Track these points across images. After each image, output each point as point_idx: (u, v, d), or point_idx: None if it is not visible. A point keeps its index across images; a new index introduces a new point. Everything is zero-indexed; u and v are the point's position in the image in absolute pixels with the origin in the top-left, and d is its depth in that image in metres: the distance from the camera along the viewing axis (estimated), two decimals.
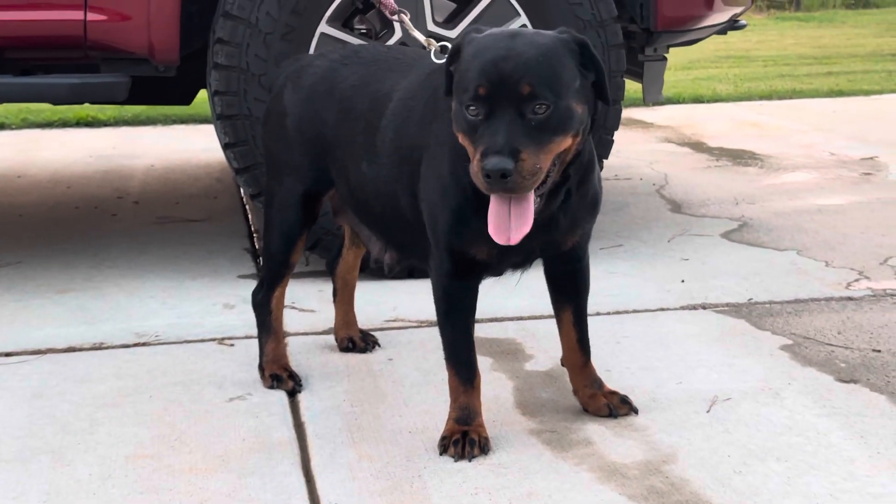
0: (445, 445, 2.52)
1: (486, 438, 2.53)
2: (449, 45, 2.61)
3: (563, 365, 2.80)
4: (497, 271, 2.62)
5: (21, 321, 3.51)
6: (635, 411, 2.71)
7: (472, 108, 2.26)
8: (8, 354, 3.22)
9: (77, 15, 3.69)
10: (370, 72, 2.80)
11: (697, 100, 8.29)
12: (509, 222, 2.28)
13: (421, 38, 2.84)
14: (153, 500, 2.35)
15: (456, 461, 2.48)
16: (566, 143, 2.29)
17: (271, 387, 2.92)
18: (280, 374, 2.94)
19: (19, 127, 7.44)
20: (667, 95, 7.40)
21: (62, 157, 6.39)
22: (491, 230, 2.29)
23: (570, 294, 2.71)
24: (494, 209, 2.29)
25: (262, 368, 2.97)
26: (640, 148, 6.41)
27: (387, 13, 3.09)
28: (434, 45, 2.74)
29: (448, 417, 2.57)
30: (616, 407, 2.71)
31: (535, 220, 2.31)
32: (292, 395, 2.90)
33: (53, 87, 3.77)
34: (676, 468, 2.43)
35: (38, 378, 3.03)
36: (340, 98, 2.81)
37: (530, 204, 2.28)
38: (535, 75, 2.24)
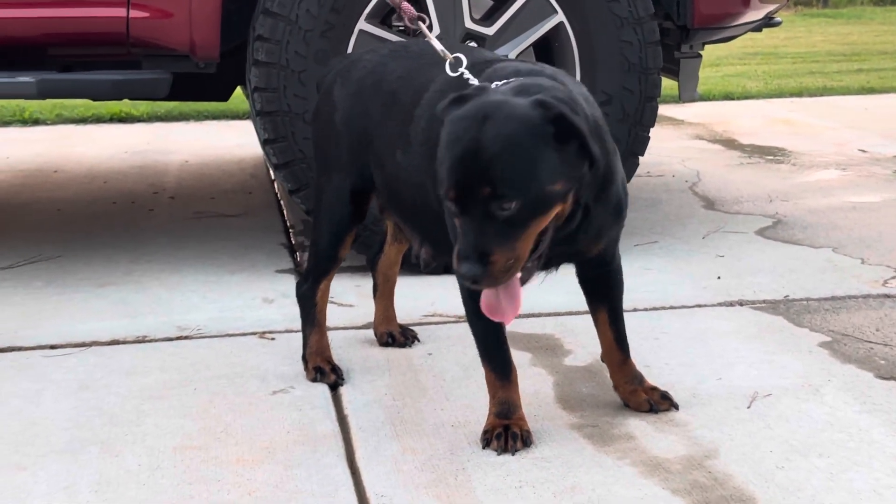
0: (488, 439, 2.54)
1: (528, 432, 2.55)
2: (462, 57, 2.60)
3: (602, 361, 2.82)
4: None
5: (65, 314, 3.56)
6: (676, 407, 2.72)
7: (446, 202, 2.26)
8: (53, 347, 3.26)
9: (120, 12, 3.73)
10: (417, 65, 2.81)
11: (727, 97, 8.28)
12: (500, 304, 2.30)
13: (438, 46, 2.83)
14: (202, 490, 2.38)
15: (499, 454, 2.50)
16: (545, 222, 2.25)
17: (314, 379, 2.95)
18: (323, 367, 2.97)
19: (53, 122, 7.52)
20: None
21: (97, 153, 6.45)
22: (484, 309, 2.32)
23: (602, 296, 2.71)
24: (485, 291, 2.31)
25: (305, 360, 3.00)
26: (672, 145, 6.41)
27: (406, 20, 3.08)
28: (449, 57, 2.71)
29: (489, 412, 2.59)
30: (657, 402, 2.72)
31: (554, 237, 2.31)
32: (334, 388, 2.92)
33: (97, 84, 3.82)
34: (719, 463, 2.45)
35: (83, 370, 3.07)
36: (387, 91, 2.82)
37: (517, 287, 2.29)
38: (497, 175, 2.17)
